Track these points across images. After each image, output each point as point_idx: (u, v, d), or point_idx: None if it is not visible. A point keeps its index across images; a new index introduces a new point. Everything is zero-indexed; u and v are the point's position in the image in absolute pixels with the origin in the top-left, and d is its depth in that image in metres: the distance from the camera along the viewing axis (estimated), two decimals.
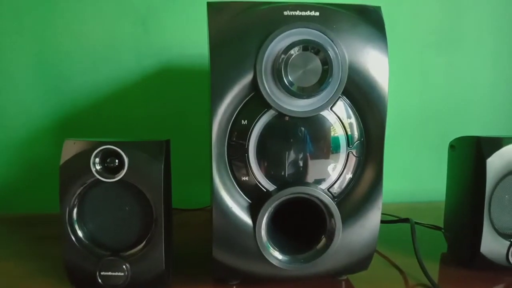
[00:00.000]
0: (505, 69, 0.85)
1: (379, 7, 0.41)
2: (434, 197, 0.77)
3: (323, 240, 0.40)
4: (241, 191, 0.40)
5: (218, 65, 0.37)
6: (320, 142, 0.39)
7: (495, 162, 0.46)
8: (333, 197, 0.40)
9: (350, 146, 0.40)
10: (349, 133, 0.40)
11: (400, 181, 0.82)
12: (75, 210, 0.42)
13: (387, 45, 0.39)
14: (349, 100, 0.40)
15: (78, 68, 0.76)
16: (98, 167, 0.41)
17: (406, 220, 0.57)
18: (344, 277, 0.46)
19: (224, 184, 0.39)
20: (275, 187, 0.39)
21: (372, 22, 0.39)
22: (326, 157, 0.40)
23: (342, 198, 0.41)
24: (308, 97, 0.37)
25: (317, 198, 0.39)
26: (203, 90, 0.73)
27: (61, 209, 0.42)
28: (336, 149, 0.40)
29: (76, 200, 0.42)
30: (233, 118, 0.39)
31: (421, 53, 0.83)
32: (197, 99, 0.77)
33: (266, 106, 0.38)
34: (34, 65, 0.75)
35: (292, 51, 0.36)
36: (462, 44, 0.84)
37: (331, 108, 0.39)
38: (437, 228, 0.62)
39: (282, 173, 0.39)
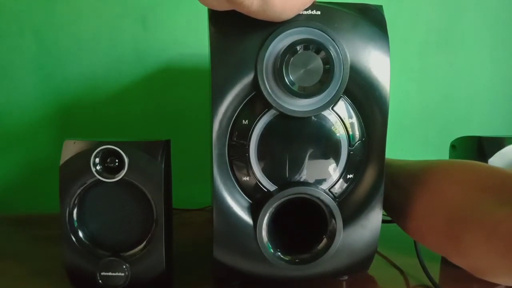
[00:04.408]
0: (505, 68, 0.85)
1: (380, 6, 0.40)
2: None
3: (324, 241, 0.40)
4: (242, 191, 0.40)
5: (219, 65, 0.37)
6: (321, 142, 0.39)
7: (497, 162, 0.46)
8: (334, 197, 0.40)
9: (351, 146, 0.40)
10: (350, 133, 0.40)
11: None
12: (75, 210, 0.42)
13: (389, 44, 0.39)
14: (350, 99, 0.40)
15: (78, 68, 0.76)
16: (98, 167, 0.41)
17: None
18: (345, 278, 0.46)
19: (224, 184, 0.39)
20: (276, 187, 0.39)
21: (373, 21, 0.39)
22: (327, 157, 0.40)
23: (343, 198, 0.41)
24: (309, 96, 0.37)
25: (318, 198, 0.39)
26: (203, 90, 0.73)
27: (61, 209, 0.42)
28: (337, 149, 0.40)
29: (76, 200, 0.42)
30: (233, 118, 0.39)
31: (421, 52, 0.83)
32: (197, 99, 0.77)
33: (267, 106, 0.38)
34: (34, 65, 0.75)
35: (293, 50, 0.36)
36: (462, 43, 0.84)
37: (332, 108, 0.39)
38: None
39: (283, 173, 0.39)
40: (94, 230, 0.43)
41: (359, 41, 0.38)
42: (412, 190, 0.41)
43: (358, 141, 0.40)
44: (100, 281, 0.41)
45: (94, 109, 0.77)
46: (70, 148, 0.41)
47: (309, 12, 0.37)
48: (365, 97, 0.39)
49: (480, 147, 0.47)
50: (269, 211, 0.39)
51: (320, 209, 0.40)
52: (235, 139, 0.39)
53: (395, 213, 0.45)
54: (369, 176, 0.41)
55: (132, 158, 0.41)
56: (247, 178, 0.39)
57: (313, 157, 0.39)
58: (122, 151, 0.40)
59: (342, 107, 0.40)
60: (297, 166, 0.39)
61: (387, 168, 0.41)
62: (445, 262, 0.52)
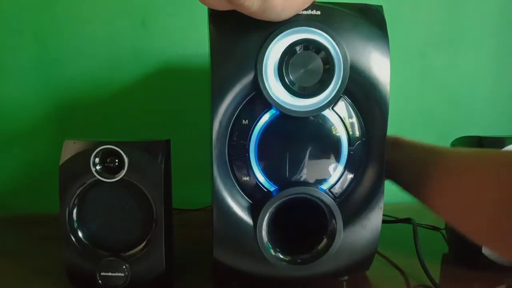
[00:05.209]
0: (506, 68, 0.85)
1: (380, 6, 0.40)
2: None
3: (324, 241, 0.40)
4: (242, 191, 0.40)
5: (219, 65, 0.37)
6: (321, 142, 0.39)
7: None
8: (334, 197, 0.40)
9: (352, 146, 0.40)
10: (350, 133, 0.40)
11: None
12: (75, 210, 0.42)
13: (389, 44, 0.39)
14: (350, 99, 0.40)
15: (78, 68, 0.76)
16: (98, 167, 0.41)
17: (407, 220, 0.57)
18: (345, 278, 0.46)
19: (224, 184, 0.39)
20: (276, 187, 0.39)
21: (373, 21, 0.39)
22: (327, 157, 0.40)
23: (343, 198, 0.41)
24: (310, 96, 0.37)
25: (318, 198, 0.39)
26: (203, 90, 0.73)
27: (61, 209, 0.42)
28: (337, 149, 0.40)
29: (76, 200, 0.42)
30: (233, 118, 0.39)
31: (421, 52, 0.83)
32: (197, 99, 0.77)
33: (267, 105, 0.38)
34: (34, 65, 0.75)
35: (293, 50, 0.36)
36: (463, 43, 0.84)
37: (332, 108, 0.39)
38: (435, 228, 0.62)
39: (283, 173, 0.39)
40: (94, 230, 0.43)
41: (359, 41, 0.38)
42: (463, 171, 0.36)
43: (358, 141, 0.40)
44: (100, 281, 0.41)
45: (94, 109, 0.77)
46: (70, 148, 0.41)
47: (309, 12, 0.37)
48: (365, 97, 0.39)
49: (480, 147, 0.46)
50: (269, 211, 0.39)
51: (320, 209, 0.40)
52: (235, 139, 0.39)
53: (419, 186, 0.40)
54: (369, 176, 0.41)
55: (132, 158, 0.41)
56: (247, 178, 0.39)
57: (313, 157, 0.39)
58: (122, 151, 0.40)
59: (342, 107, 0.40)
60: (297, 166, 0.39)
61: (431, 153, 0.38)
62: (445, 262, 0.52)
